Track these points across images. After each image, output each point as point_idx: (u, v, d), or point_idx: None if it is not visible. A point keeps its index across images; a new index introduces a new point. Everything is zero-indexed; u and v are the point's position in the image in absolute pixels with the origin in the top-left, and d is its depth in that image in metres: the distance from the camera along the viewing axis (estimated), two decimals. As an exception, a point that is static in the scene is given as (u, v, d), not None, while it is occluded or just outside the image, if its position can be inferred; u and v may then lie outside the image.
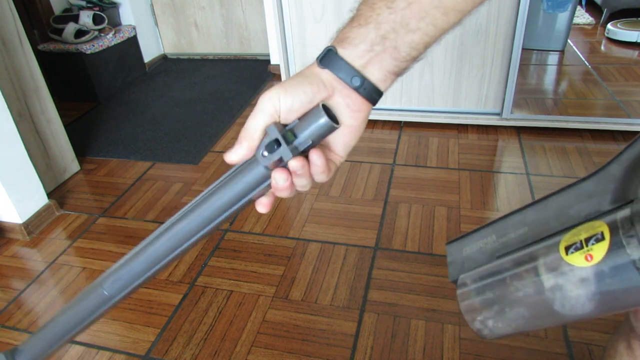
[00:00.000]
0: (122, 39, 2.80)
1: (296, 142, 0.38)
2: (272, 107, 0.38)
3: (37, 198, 1.73)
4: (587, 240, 0.32)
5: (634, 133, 1.99)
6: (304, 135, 0.38)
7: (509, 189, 1.73)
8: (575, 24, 3.15)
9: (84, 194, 1.91)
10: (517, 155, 1.93)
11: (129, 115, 2.53)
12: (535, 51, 2.81)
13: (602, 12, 3.18)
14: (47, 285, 1.47)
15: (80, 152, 2.16)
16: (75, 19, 2.62)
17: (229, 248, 1.55)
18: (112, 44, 2.73)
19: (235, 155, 0.40)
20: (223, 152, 2.12)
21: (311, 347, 1.21)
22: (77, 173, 2.05)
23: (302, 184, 0.40)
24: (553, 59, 2.76)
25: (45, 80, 1.88)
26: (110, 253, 1.57)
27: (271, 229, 1.62)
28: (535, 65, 2.72)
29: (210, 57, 3.29)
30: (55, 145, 1.94)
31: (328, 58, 0.38)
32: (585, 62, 2.69)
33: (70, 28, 2.55)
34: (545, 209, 0.38)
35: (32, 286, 1.47)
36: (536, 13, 2.70)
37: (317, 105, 0.38)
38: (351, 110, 0.39)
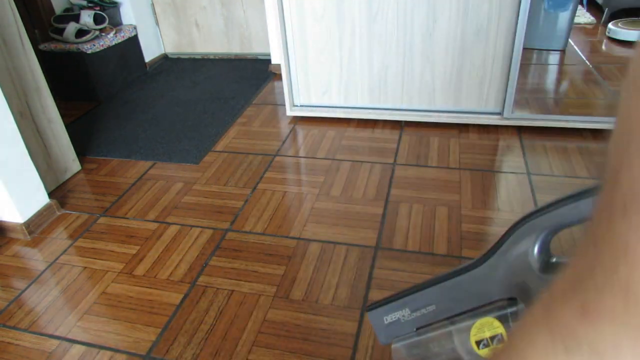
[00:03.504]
0: (122, 39, 2.80)
1: None
2: None
3: (38, 198, 1.73)
4: (492, 338, 0.43)
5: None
6: None
7: (510, 188, 1.73)
8: (576, 24, 3.14)
9: (85, 193, 1.91)
10: (518, 154, 1.93)
11: (129, 115, 2.53)
12: (536, 51, 2.80)
13: (603, 12, 3.17)
14: (48, 285, 1.47)
15: (81, 151, 2.16)
16: (76, 18, 2.62)
17: (229, 248, 1.55)
18: (113, 43, 2.73)
19: None
20: (224, 151, 2.12)
21: (312, 346, 1.21)
22: (78, 173, 2.05)
23: None
24: (554, 58, 2.76)
25: (46, 80, 1.88)
26: (111, 253, 1.58)
27: (272, 228, 1.62)
28: (536, 64, 2.72)
29: (211, 57, 3.29)
30: (56, 144, 1.94)
31: None
32: (587, 61, 2.68)
33: (71, 28, 2.55)
34: (447, 291, 0.49)
35: (33, 286, 1.47)
36: (537, 12, 2.70)
37: None
38: None
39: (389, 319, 0.53)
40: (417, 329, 0.51)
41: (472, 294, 0.47)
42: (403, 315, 0.52)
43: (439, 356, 0.48)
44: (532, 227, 0.42)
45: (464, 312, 0.47)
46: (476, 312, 0.46)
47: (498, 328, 0.43)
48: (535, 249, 0.42)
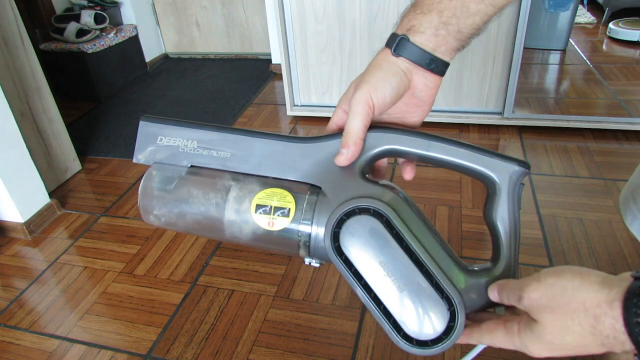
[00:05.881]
0: (123, 39, 2.80)
1: None
2: (366, 107, 0.41)
3: (38, 197, 1.73)
4: (276, 210, 0.41)
5: (636, 132, 1.99)
6: None
7: (511, 188, 1.73)
8: (576, 23, 3.14)
9: (86, 193, 1.91)
10: (518, 154, 1.93)
11: (130, 115, 2.53)
12: (536, 50, 2.80)
13: (604, 11, 3.17)
14: (49, 285, 1.47)
15: (82, 151, 2.16)
16: (77, 18, 2.62)
17: (230, 247, 1.55)
18: (114, 43, 2.73)
19: (346, 160, 0.42)
20: (224, 151, 2.12)
21: (312, 346, 1.21)
22: (78, 172, 2.06)
23: None
24: (555, 58, 2.76)
25: (47, 80, 1.88)
26: (111, 252, 1.58)
27: (272, 228, 1.62)
28: (537, 64, 2.72)
29: (212, 57, 3.29)
30: (57, 144, 1.94)
31: (402, 46, 0.42)
32: (587, 61, 2.68)
33: (71, 27, 2.55)
34: (252, 147, 0.44)
35: (34, 285, 1.47)
36: (538, 12, 2.70)
37: None
38: (429, 88, 0.44)
39: (165, 140, 0.46)
40: (192, 166, 0.44)
41: (280, 163, 0.43)
42: (186, 146, 0.45)
43: (192, 204, 0.43)
44: (379, 138, 0.43)
45: (258, 176, 0.43)
46: (270, 182, 0.43)
47: (289, 203, 0.41)
48: (367, 156, 0.43)
